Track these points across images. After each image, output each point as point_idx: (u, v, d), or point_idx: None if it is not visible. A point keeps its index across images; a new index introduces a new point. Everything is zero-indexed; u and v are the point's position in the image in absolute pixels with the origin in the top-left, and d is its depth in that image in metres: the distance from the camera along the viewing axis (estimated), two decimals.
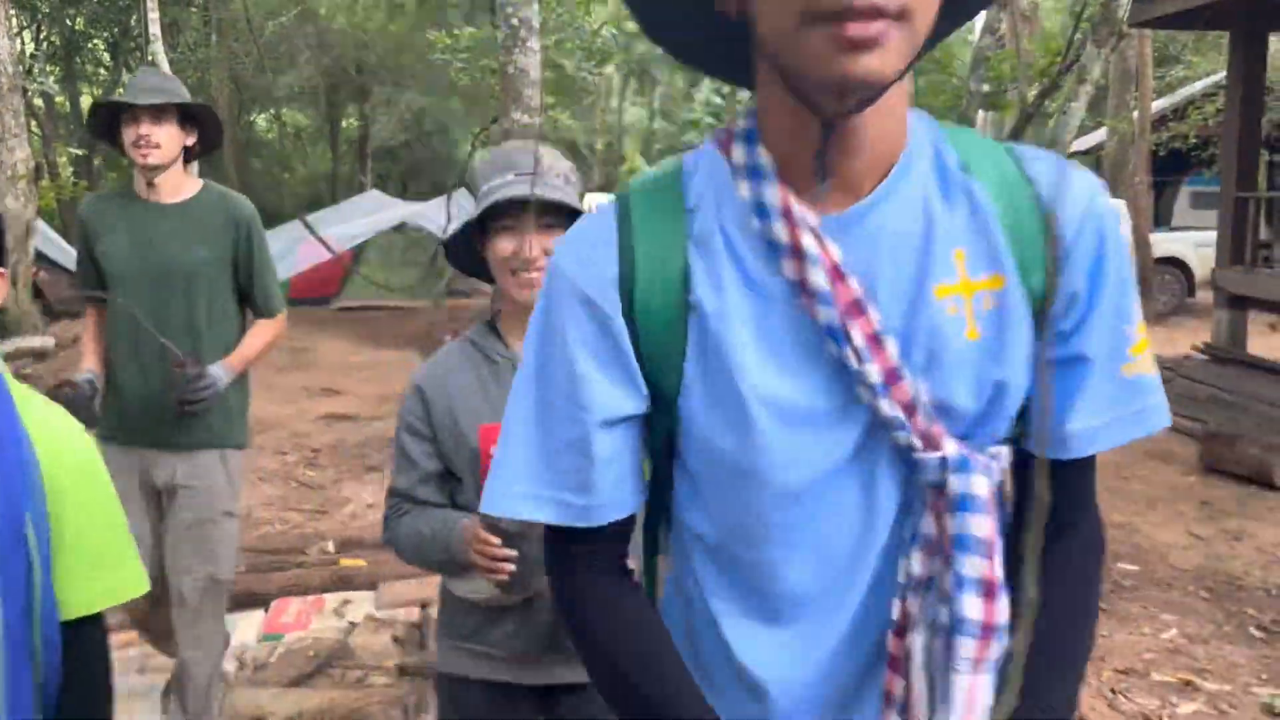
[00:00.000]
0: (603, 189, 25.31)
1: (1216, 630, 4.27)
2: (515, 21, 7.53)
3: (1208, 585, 4.76)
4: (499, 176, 1.82)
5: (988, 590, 0.94)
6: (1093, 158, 20.54)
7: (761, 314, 0.96)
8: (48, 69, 18.64)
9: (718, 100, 9.83)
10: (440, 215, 16.07)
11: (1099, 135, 18.99)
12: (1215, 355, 8.98)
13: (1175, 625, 4.30)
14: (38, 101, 19.70)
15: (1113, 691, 3.70)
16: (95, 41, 22.28)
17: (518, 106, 7.65)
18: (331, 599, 4.41)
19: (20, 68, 11.90)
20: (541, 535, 1.11)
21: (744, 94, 1.19)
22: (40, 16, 19.72)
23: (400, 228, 17.48)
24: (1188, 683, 3.78)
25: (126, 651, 3.91)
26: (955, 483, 0.94)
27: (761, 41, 0.92)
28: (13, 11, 12.51)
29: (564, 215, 1.80)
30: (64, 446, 1.32)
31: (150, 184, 2.83)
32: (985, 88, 9.77)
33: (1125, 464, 6.92)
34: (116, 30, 21.43)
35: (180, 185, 2.89)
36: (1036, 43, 11.53)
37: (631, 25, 11.18)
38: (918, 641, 0.98)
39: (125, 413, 2.87)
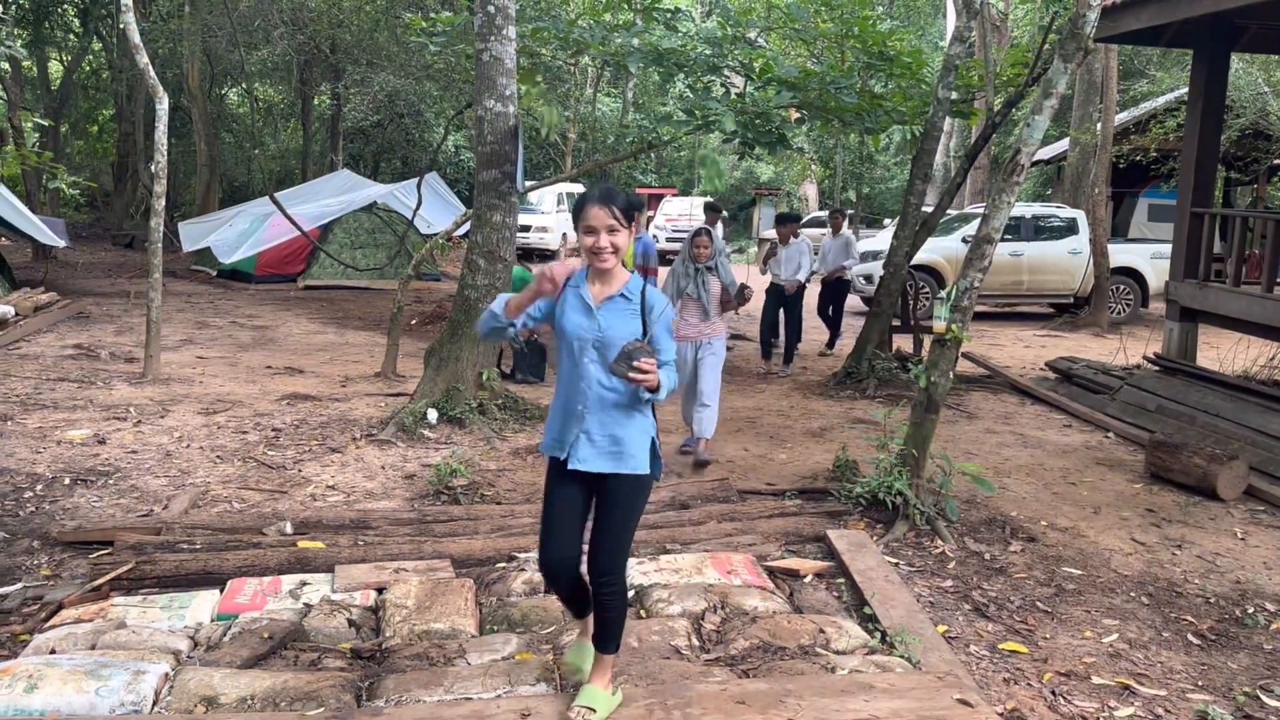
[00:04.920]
0: (574, 180, 25.24)
1: (1156, 636, 4.39)
2: (492, 9, 7.54)
3: (1149, 591, 4.89)
4: None
5: None
6: (1054, 167, 20.83)
7: None
8: (16, 32, 18.31)
9: (690, 95, 9.86)
10: (411, 197, 16.03)
11: (1061, 145, 19.25)
12: (1165, 366, 9.17)
13: (1116, 630, 4.41)
14: (4, 65, 19.32)
15: (1053, 693, 3.80)
16: (65, 7, 21.91)
17: (491, 94, 7.65)
18: (288, 580, 4.42)
19: None
20: None
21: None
22: None
23: (370, 208, 17.40)
24: (1126, 687, 3.89)
25: (78, 628, 3.91)
26: None
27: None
28: None
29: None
30: None
31: None
32: (953, 95, 9.87)
33: (1073, 470, 7.07)
34: None
35: None
36: (1005, 53, 11.68)
37: (608, 16, 11.17)
38: None
39: None
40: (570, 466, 3.21)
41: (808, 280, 11.09)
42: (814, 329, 12.84)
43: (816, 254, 12.13)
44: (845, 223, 12.70)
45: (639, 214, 8.24)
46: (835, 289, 12.29)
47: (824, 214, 27.02)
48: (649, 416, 3.31)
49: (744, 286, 6.88)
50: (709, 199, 15.10)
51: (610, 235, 3.15)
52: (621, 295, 3.24)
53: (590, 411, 3.20)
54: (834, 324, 12.49)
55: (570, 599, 3.40)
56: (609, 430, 3.20)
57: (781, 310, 11.05)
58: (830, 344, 12.44)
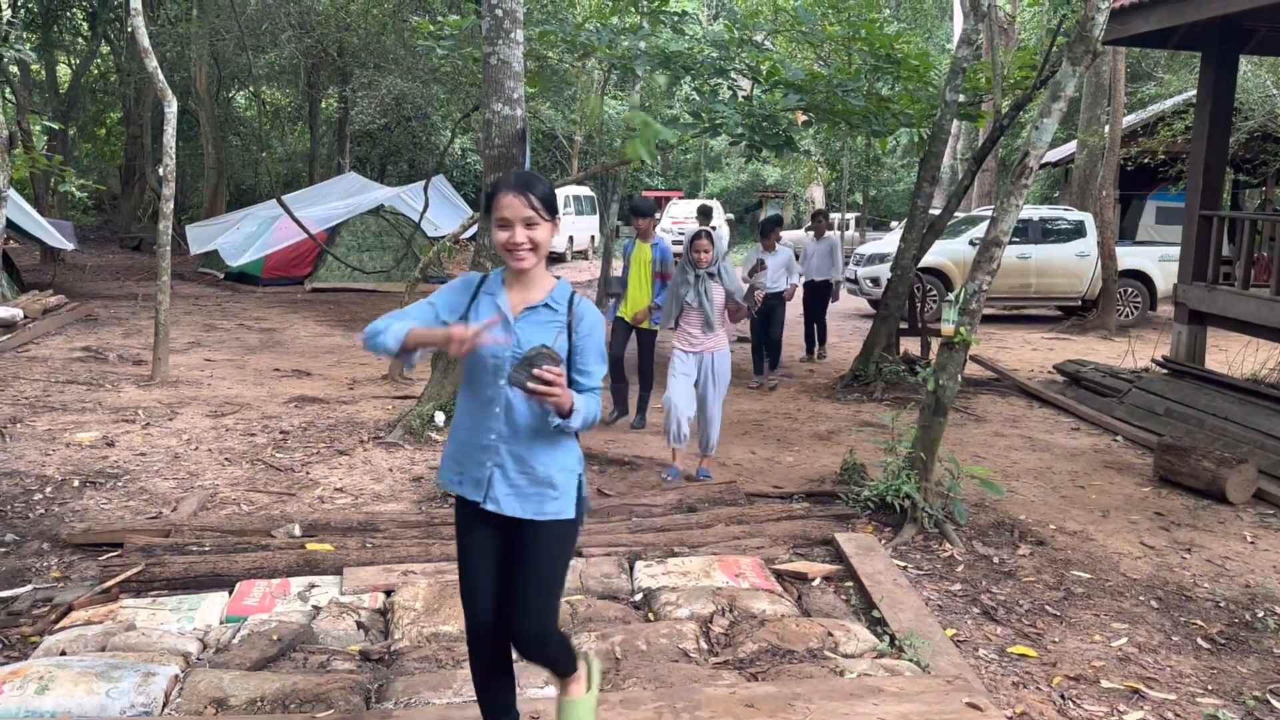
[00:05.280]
0: (581, 182, 25.29)
1: (1165, 640, 4.37)
2: (500, 12, 7.54)
3: (1158, 595, 4.87)
4: None
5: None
6: (1062, 170, 20.80)
7: None
8: (25, 36, 18.38)
9: (697, 98, 9.88)
10: (418, 199, 16.04)
11: (1069, 148, 19.22)
12: (1174, 369, 9.14)
13: (1125, 634, 4.40)
14: (13, 69, 19.39)
15: (1062, 697, 3.79)
16: (74, 10, 21.99)
17: (499, 97, 7.66)
18: (297, 583, 4.43)
19: None
20: None
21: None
22: None
23: (377, 211, 17.44)
24: (1135, 691, 3.88)
25: (88, 629, 3.92)
26: None
27: None
28: None
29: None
30: None
31: None
32: (961, 98, 9.86)
33: (1081, 473, 7.06)
34: (96, 1, 21.16)
35: None
36: (1012, 55, 11.67)
37: (616, 20, 11.19)
38: None
39: None
40: (485, 507, 2.74)
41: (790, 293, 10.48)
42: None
43: (799, 258, 11.45)
44: (828, 227, 12.15)
45: (649, 219, 8.11)
46: (818, 294, 11.76)
47: (832, 216, 27.04)
48: (575, 450, 2.83)
49: (753, 289, 6.55)
50: (704, 201, 15.04)
51: (528, 230, 2.67)
52: (545, 305, 2.76)
53: (504, 442, 2.71)
54: (820, 330, 12.01)
55: (493, 670, 2.85)
56: (528, 466, 2.72)
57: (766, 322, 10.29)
58: (821, 350, 11.98)
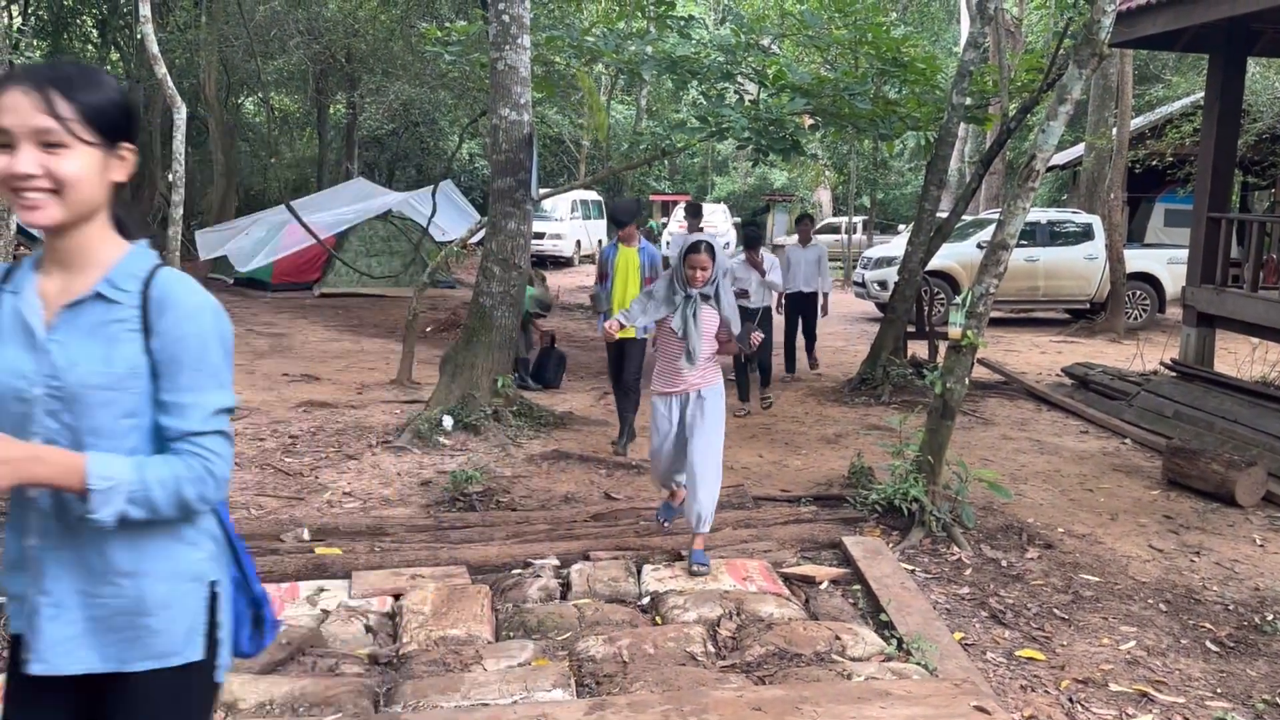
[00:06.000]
0: (588, 187, 25.32)
1: (1174, 643, 4.37)
2: (507, 18, 7.58)
3: (1167, 598, 4.86)
4: None
5: None
6: (1070, 173, 20.76)
7: None
8: (35, 44, 18.50)
9: (704, 102, 9.89)
10: (426, 205, 16.11)
11: (1077, 150, 19.19)
12: (1182, 372, 9.12)
13: (1134, 637, 4.39)
14: None
15: (1070, 700, 3.79)
16: (84, 18, 22.11)
17: (506, 102, 7.69)
18: (306, 586, 4.44)
19: (6, 41, 11.82)
20: None
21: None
22: None
23: (386, 216, 17.50)
24: (1144, 694, 3.87)
25: None
26: None
27: None
28: None
29: None
30: None
31: None
32: (968, 101, 9.86)
33: (1090, 476, 7.04)
34: (105, 8, 21.27)
35: None
36: (1019, 58, 11.67)
37: (622, 24, 11.21)
38: None
39: None
40: (31, 670, 1.60)
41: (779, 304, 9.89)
42: (827, 346, 12.75)
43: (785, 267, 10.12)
44: (814, 231, 10.99)
45: (632, 225, 7.88)
46: (805, 305, 10.59)
47: (839, 220, 27.00)
48: (201, 543, 1.74)
49: (750, 330, 4.86)
50: (692, 200, 14.66)
51: (45, 152, 1.50)
52: (99, 295, 1.61)
53: (54, 545, 1.61)
54: (809, 342, 10.82)
55: None
56: (102, 581, 1.61)
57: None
58: (812, 359, 10.85)
